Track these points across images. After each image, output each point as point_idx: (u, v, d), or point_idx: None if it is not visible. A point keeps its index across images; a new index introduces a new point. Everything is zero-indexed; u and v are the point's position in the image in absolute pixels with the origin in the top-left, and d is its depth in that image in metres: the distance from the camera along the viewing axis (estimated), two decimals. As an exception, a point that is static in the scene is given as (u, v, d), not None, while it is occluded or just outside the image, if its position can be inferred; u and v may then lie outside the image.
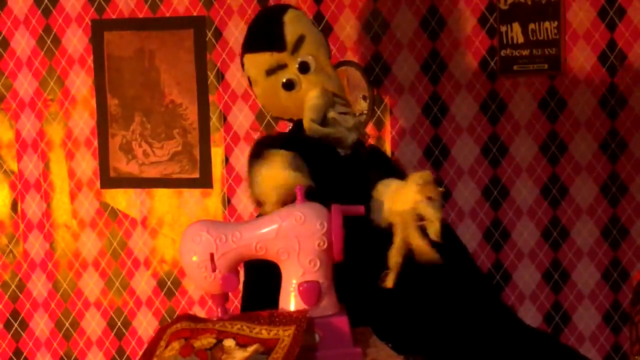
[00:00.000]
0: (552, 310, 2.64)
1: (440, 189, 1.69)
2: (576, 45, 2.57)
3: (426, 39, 2.62)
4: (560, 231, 2.63)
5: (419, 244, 1.67)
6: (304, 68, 1.94)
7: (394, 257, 1.70)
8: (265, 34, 1.96)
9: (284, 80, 1.95)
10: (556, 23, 2.56)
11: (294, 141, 1.92)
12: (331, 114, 1.93)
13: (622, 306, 2.61)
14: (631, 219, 2.61)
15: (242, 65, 2.03)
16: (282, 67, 1.94)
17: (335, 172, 1.90)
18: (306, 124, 1.91)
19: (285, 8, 2.00)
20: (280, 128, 2.66)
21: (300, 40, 1.94)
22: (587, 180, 2.61)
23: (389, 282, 1.69)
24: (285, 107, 2.00)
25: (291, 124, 2.05)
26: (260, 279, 1.77)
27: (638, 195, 2.60)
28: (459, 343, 1.83)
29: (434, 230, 1.65)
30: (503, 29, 2.59)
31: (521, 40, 2.58)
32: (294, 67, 1.94)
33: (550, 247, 2.64)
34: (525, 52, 2.58)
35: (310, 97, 1.93)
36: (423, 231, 1.67)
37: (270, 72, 1.95)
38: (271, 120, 2.67)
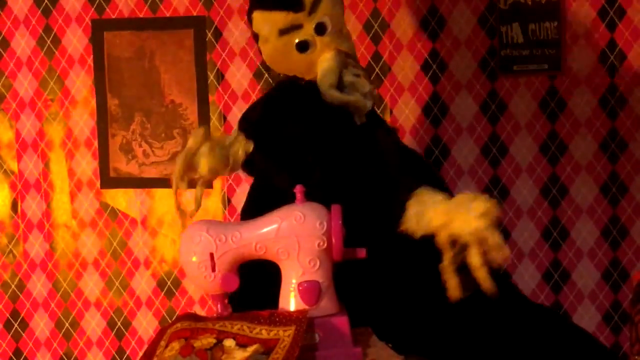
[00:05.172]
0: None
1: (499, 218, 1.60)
2: (576, 45, 2.57)
3: (426, 39, 2.62)
4: (560, 231, 2.63)
5: (482, 273, 1.58)
6: (320, 29, 1.84)
7: (450, 274, 1.61)
8: None
9: (298, 41, 1.84)
10: (556, 23, 2.56)
11: (311, 108, 1.85)
12: (348, 78, 1.84)
13: (622, 306, 2.61)
14: (631, 219, 2.60)
15: (250, 20, 1.91)
16: (297, 27, 1.84)
17: (351, 143, 1.84)
18: (324, 89, 1.82)
19: None
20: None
21: (318, 0, 1.84)
22: (587, 180, 2.61)
23: (456, 292, 1.61)
24: (295, 67, 1.91)
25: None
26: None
27: (638, 195, 2.60)
28: (460, 343, 1.83)
29: (501, 256, 1.56)
30: (503, 29, 2.59)
31: (521, 40, 2.58)
32: (310, 28, 1.84)
33: (550, 247, 2.64)
34: (525, 52, 2.58)
35: (324, 59, 1.84)
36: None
37: (284, 32, 1.84)
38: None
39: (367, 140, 1.86)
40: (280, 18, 1.83)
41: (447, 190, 2.17)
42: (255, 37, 1.91)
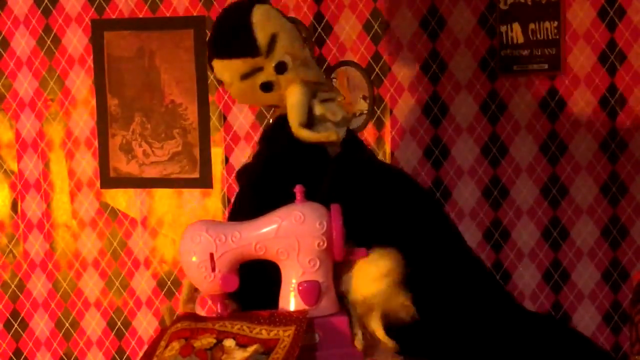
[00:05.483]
0: (552, 310, 2.64)
1: (407, 270, 1.61)
2: (576, 45, 2.57)
3: (426, 39, 2.62)
4: (560, 231, 2.63)
5: (381, 336, 1.60)
6: (280, 69, 1.84)
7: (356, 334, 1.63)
8: (234, 40, 1.84)
9: (261, 83, 1.85)
10: (556, 23, 2.56)
11: (281, 154, 1.86)
12: (318, 110, 1.84)
13: (622, 306, 2.61)
14: (631, 219, 2.60)
15: (210, 67, 1.91)
16: (257, 70, 1.84)
17: (324, 177, 1.83)
18: (294, 129, 1.82)
19: (250, 5, 1.84)
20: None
21: (273, 41, 1.82)
22: (587, 180, 2.61)
23: (358, 344, 1.62)
24: (266, 103, 1.94)
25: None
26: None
27: (638, 195, 2.60)
28: (460, 344, 1.83)
29: (407, 314, 1.60)
30: (503, 29, 2.59)
31: (521, 40, 2.58)
32: (270, 68, 1.83)
33: (550, 247, 2.64)
34: (525, 52, 2.58)
35: (291, 94, 1.84)
36: (386, 317, 1.61)
37: (246, 76, 1.84)
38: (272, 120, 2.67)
39: (341, 173, 1.86)
40: (239, 65, 1.84)
41: (437, 204, 2.18)
42: (219, 81, 1.94)
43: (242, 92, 1.91)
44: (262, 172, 1.89)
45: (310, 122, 1.84)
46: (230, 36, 1.85)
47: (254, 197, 1.87)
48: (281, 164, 1.86)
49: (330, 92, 1.93)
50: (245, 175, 1.99)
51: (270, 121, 2.65)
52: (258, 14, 1.82)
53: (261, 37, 1.82)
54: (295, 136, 1.83)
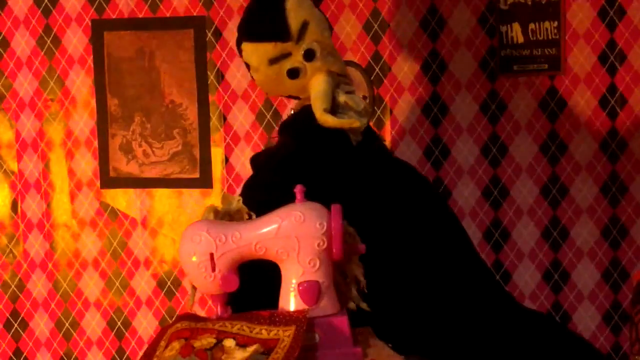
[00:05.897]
0: (552, 310, 2.64)
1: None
2: (576, 45, 2.57)
3: (426, 39, 2.62)
4: (560, 231, 2.63)
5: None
6: (309, 56, 1.88)
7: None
8: (267, 23, 1.88)
9: (289, 69, 1.88)
10: (556, 23, 2.56)
11: (306, 140, 1.89)
12: (342, 98, 1.86)
13: (622, 306, 2.61)
14: (631, 219, 2.60)
15: (239, 51, 1.95)
16: (286, 55, 1.88)
17: (348, 164, 1.86)
18: (318, 114, 1.84)
19: None
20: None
21: (304, 28, 1.86)
22: (587, 180, 2.61)
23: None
24: (288, 91, 1.96)
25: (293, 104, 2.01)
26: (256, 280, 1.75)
27: (638, 195, 2.60)
28: (460, 343, 1.83)
29: (355, 292, 1.64)
30: (503, 29, 2.59)
31: (521, 40, 2.58)
32: (299, 55, 1.87)
33: (550, 247, 2.64)
34: (525, 52, 2.58)
35: (315, 83, 1.87)
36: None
37: (274, 61, 1.88)
38: (271, 121, 2.67)
39: (363, 162, 1.90)
40: (269, 49, 1.87)
41: (442, 200, 2.20)
42: (247, 65, 1.96)
43: (268, 78, 1.93)
44: (286, 158, 1.90)
45: (333, 110, 1.87)
46: (263, 19, 1.89)
47: (279, 181, 1.86)
48: (306, 149, 1.88)
49: (351, 85, 1.96)
50: (264, 160, 1.98)
51: (271, 121, 2.67)
52: (291, 0, 1.86)
53: (293, 23, 1.86)
54: (318, 122, 1.85)
